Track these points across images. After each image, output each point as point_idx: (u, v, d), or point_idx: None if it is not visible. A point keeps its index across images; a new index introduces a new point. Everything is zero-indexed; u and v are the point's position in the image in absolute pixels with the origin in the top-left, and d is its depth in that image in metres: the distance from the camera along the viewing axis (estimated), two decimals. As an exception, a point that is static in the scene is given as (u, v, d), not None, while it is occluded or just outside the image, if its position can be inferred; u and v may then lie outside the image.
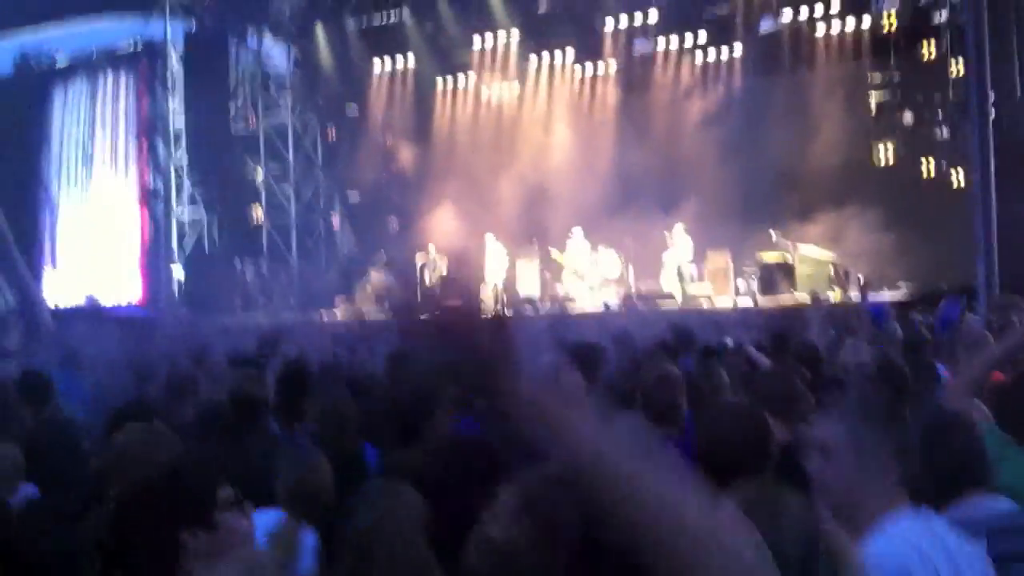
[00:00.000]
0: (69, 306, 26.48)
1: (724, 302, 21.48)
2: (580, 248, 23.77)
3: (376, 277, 25.68)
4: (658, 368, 6.15)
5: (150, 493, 2.95)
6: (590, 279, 23.59)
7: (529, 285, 24.40)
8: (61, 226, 29.78)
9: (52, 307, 24.11)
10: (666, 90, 25.68)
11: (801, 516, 2.93)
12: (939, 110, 22.98)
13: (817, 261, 21.54)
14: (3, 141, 29.78)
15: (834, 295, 20.89)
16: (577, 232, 23.69)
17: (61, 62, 32.18)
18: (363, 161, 28.53)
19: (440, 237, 25.34)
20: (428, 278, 25.24)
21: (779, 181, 22.67)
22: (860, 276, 21.01)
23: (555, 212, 24.13)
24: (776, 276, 21.58)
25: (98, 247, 28.59)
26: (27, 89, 31.67)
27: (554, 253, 24.14)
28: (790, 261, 21.70)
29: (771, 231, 21.91)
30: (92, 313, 23.16)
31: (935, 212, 21.29)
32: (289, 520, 4.04)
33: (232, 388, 6.25)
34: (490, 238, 24.55)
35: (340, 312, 24.98)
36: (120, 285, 27.64)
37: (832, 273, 21.55)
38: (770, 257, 21.95)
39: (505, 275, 24.65)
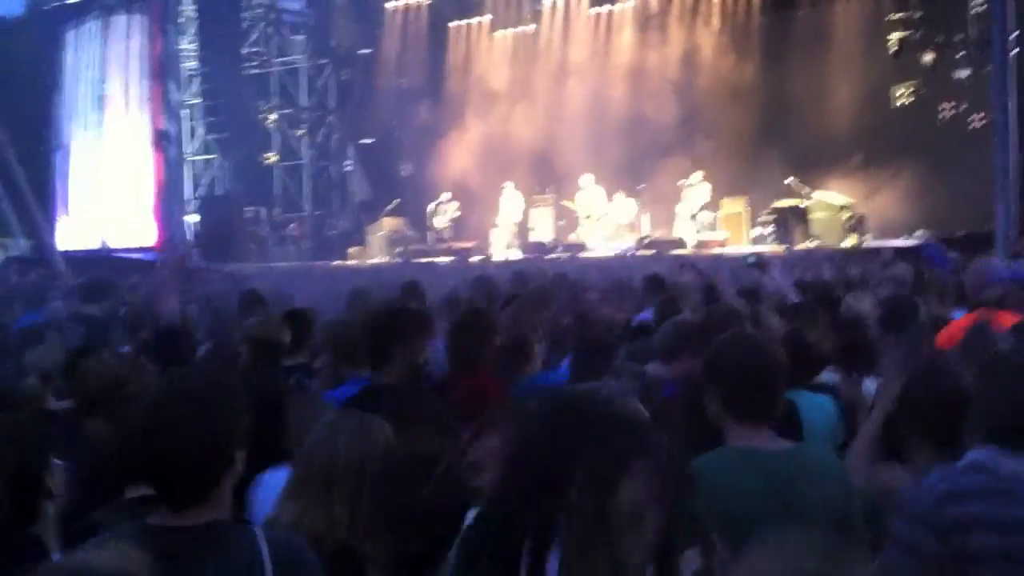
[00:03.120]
0: (82, 249, 26.53)
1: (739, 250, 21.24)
2: (594, 195, 23.51)
3: (389, 224, 25.62)
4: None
5: None
6: (604, 226, 23.35)
7: (543, 232, 24.25)
8: (74, 170, 29.67)
9: (64, 251, 24.17)
10: (683, 30, 25.17)
11: None
12: (959, 50, 22.45)
13: (832, 207, 21.23)
14: (16, 83, 29.62)
15: (850, 240, 20.66)
16: (588, 178, 23.42)
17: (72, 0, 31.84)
18: (376, 105, 28.21)
19: (454, 184, 25.16)
20: (436, 222, 25.20)
21: (797, 125, 22.26)
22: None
23: (570, 158, 23.86)
24: (790, 223, 21.32)
25: (111, 191, 28.50)
26: (39, 29, 31.46)
27: (566, 203, 23.96)
28: (804, 207, 21.43)
29: (789, 177, 21.57)
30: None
31: (953, 156, 20.85)
32: None
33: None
34: (509, 186, 24.35)
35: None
36: (134, 229, 27.57)
37: (847, 219, 21.23)
38: (785, 204, 21.68)
39: (520, 221, 24.51)
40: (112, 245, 26.68)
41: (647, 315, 7.89)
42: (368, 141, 28.99)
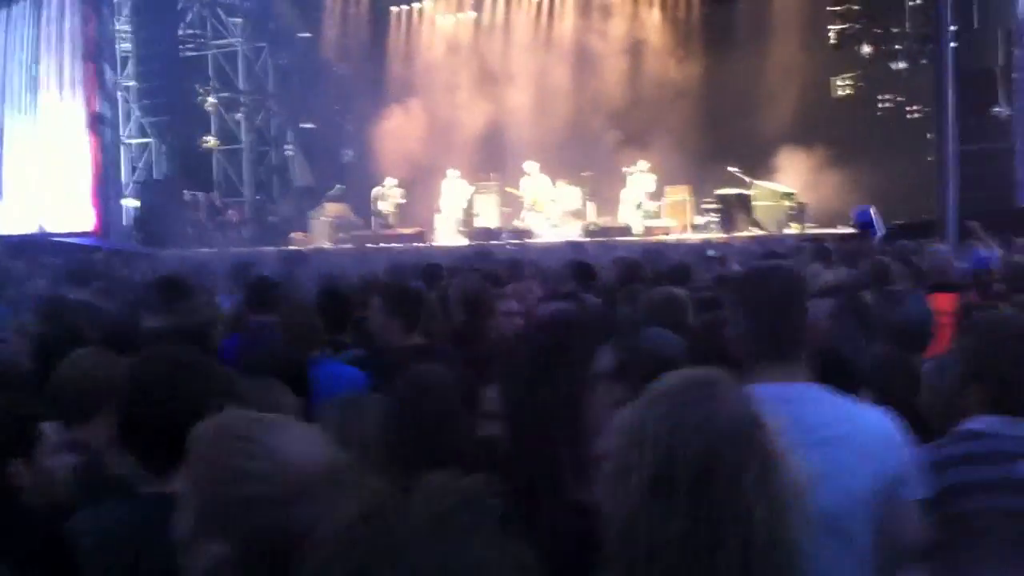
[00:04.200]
0: (17, 234, 26.01)
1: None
2: (538, 182, 23.61)
3: (333, 209, 25.49)
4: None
5: None
6: (550, 213, 23.47)
7: (488, 218, 24.32)
8: (8, 153, 29.08)
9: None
10: (625, 19, 25.33)
11: None
12: (897, 42, 22.87)
13: (775, 194, 21.58)
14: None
15: (793, 228, 21.01)
16: (532, 166, 23.51)
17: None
18: (317, 90, 27.99)
19: (398, 169, 25.10)
20: (381, 207, 25.15)
21: (738, 115, 22.52)
22: None
23: (514, 145, 23.95)
24: (734, 211, 21.64)
25: (47, 175, 27.99)
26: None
27: (510, 189, 24.04)
28: (748, 195, 21.74)
29: (729, 168, 21.84)
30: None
31: (891, 146, 21.29)
32: None
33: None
34: (452, 173, 24.39)
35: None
36: (71, 214, 27.11)
37: (789, 207, 21.58)
38: (728, 192, 21.98)
39: (465, 207, 24.53)
40: (49, 229, 26.21)
41: None
42: (309, 126, 28.77)
